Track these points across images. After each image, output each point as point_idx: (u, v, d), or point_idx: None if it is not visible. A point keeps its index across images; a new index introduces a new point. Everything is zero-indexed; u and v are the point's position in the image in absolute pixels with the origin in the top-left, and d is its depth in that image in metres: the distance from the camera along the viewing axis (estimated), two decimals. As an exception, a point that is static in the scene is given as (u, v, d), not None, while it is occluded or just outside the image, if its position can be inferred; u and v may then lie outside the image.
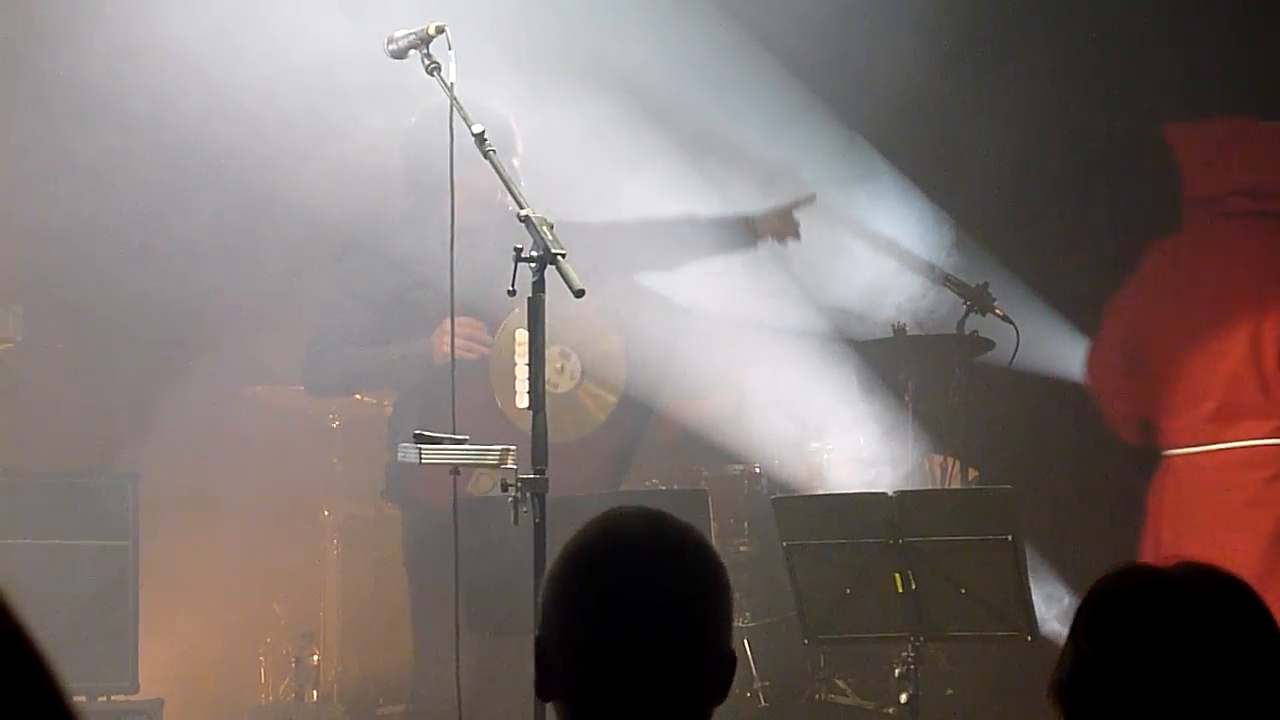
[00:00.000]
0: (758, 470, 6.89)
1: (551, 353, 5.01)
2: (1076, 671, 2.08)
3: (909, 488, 6.12)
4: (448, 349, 4.85)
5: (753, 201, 6.14)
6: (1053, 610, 6.03)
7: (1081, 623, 2.10)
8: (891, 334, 6.42)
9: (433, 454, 4.25)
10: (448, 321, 4.86)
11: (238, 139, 6.10)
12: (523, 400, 4.36)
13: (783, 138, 6.72)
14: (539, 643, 2.06)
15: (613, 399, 5.99)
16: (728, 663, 2.07)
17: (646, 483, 6.78)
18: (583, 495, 5.31)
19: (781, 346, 6.72)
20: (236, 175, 6.35)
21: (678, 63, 6.59)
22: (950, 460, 6.61)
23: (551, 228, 4.24)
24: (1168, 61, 7.20)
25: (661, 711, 2.02)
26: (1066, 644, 2.13)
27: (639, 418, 6.10)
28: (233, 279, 7.16)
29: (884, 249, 6.58)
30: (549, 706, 2.08)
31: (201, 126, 6.24)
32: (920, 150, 7.28)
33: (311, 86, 5.90)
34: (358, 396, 7.14)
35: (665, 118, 6.43)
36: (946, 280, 6.36)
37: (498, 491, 4.25)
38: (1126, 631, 2.04)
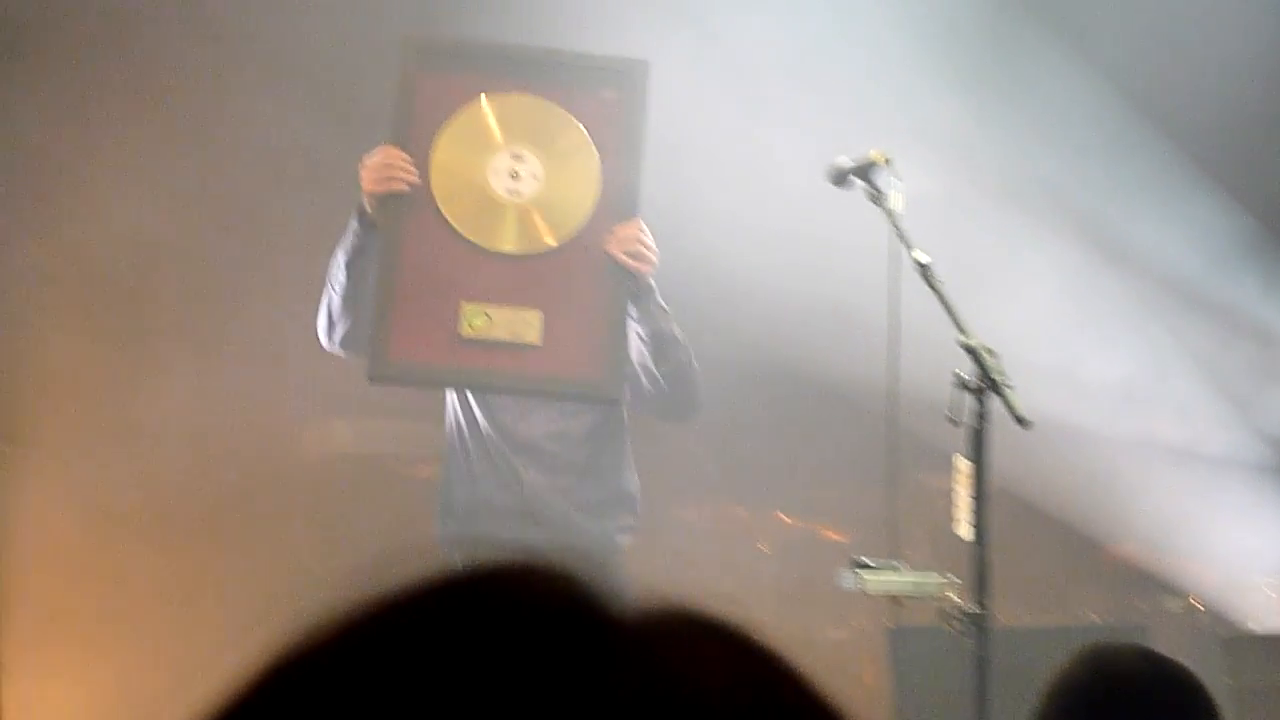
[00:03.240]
0: (1199, 606, 6.65)
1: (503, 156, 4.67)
2: None
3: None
4: (375, 185, 4.54)
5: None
6: None
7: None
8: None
9: (875, 583, 4.21)
10: (370, 157, 4.57)
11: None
12: (966, 531, 4.29)
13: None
14: None
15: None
16: None
17: (1081, 615, 6.62)
18: (1024, 627, 5.21)
19: (1217, 475, 6.51)
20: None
21: (1132, 197, 6.51)
22: None
23: (996, 356, 4.18)
24: None
25: None
26: None
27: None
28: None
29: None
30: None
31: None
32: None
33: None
34: (782, 517, 7.15)
35: (1123, 258, 6.35)
36: None
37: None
38: None
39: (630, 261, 4.61)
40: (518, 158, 4.65)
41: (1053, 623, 6.33)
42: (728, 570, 7.58)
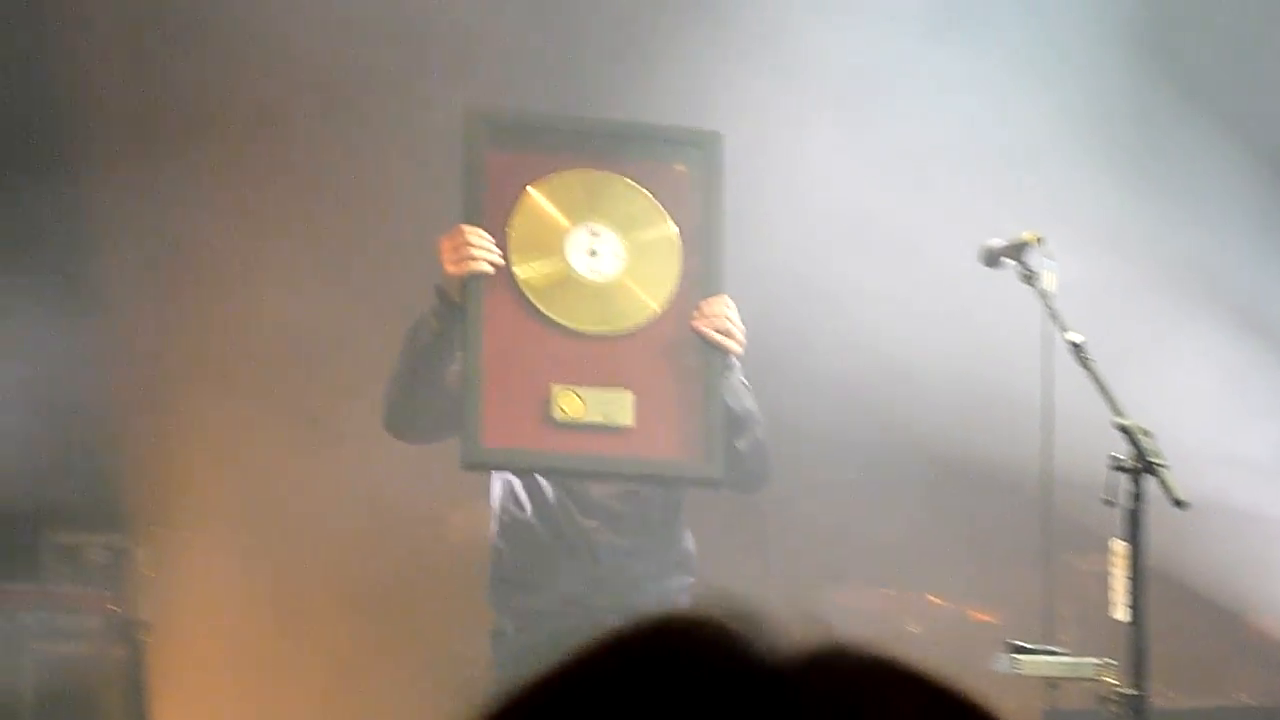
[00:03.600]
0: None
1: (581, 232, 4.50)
2: None
3: None
4: (457, 265, 4.35)
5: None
6: None
7: None
8: None
9: (1029, 666, 4.18)
10: (449, 237, 4.38)
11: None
12: (1122, 614, 4.26)
13: None
14: None
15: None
16: None
17: (1234, 695, 6.53)
18: (1177, 709, 5.14)
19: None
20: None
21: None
22: None
23: (1151, 437, 4.16)
24: None
25: None
26: None
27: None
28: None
29: None
30: None
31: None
32: None
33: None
34: (932, 599, 7.11)
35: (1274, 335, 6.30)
36: None
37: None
38: None
39: (719, 339, 4.48)
40: (595, 234, 4.51)
41: (1207, 704, 6.24)
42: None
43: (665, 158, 4.59)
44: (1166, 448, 4.16)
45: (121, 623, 6.12)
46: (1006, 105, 6.49)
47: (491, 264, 4.40)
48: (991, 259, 4.58)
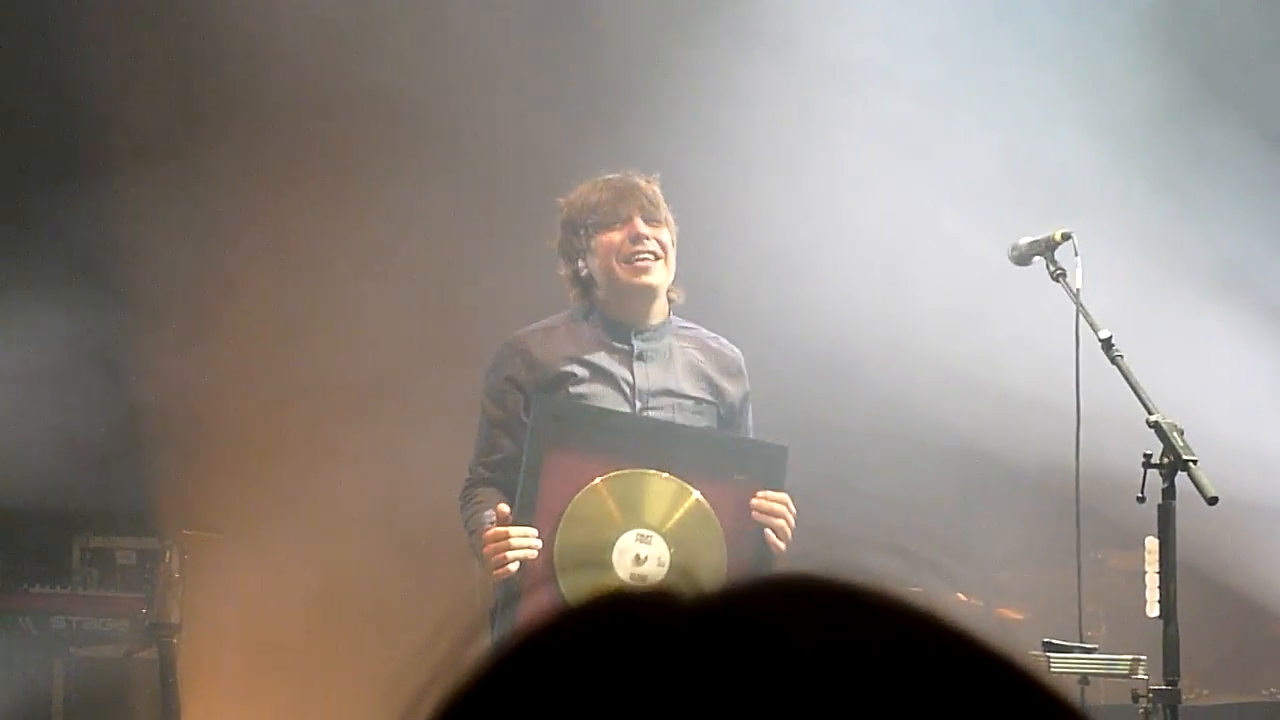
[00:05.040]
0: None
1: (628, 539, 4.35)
2: None
3: None
4: (497, 567, 4.23)
5: None
6: None
7: None
8: None
9: (1062, 663, 4.19)
10: (492, 537, 4.27)
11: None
12: (1153, 610, 4.26)
13: None
14: None
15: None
16: None
17: (1264, 691, 6.53)
18: (1207, 705, 5.14)
19: None
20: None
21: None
22: None
23: (1182, 433, 4.17)
24: None
25: None
26: None
27: None
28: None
29: None
30: None
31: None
32: None
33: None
34: (961, 597, 7.11)
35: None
36: None
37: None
38: None
39: (773, 538, 4.34)
40: (644, 539, 4.35)
41: (1237, 701, 6.24)
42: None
43: (726, 469, 4.43)
44: (1197, 444, 4.16)
45: (151, 626, 6.13)
46: (1045, 104, 6.51)
47: (526, 559, 4.27)
48: (1022, 257, 4.60)
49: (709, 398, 4.60)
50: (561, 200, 4.67)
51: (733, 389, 4.64)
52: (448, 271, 6.85)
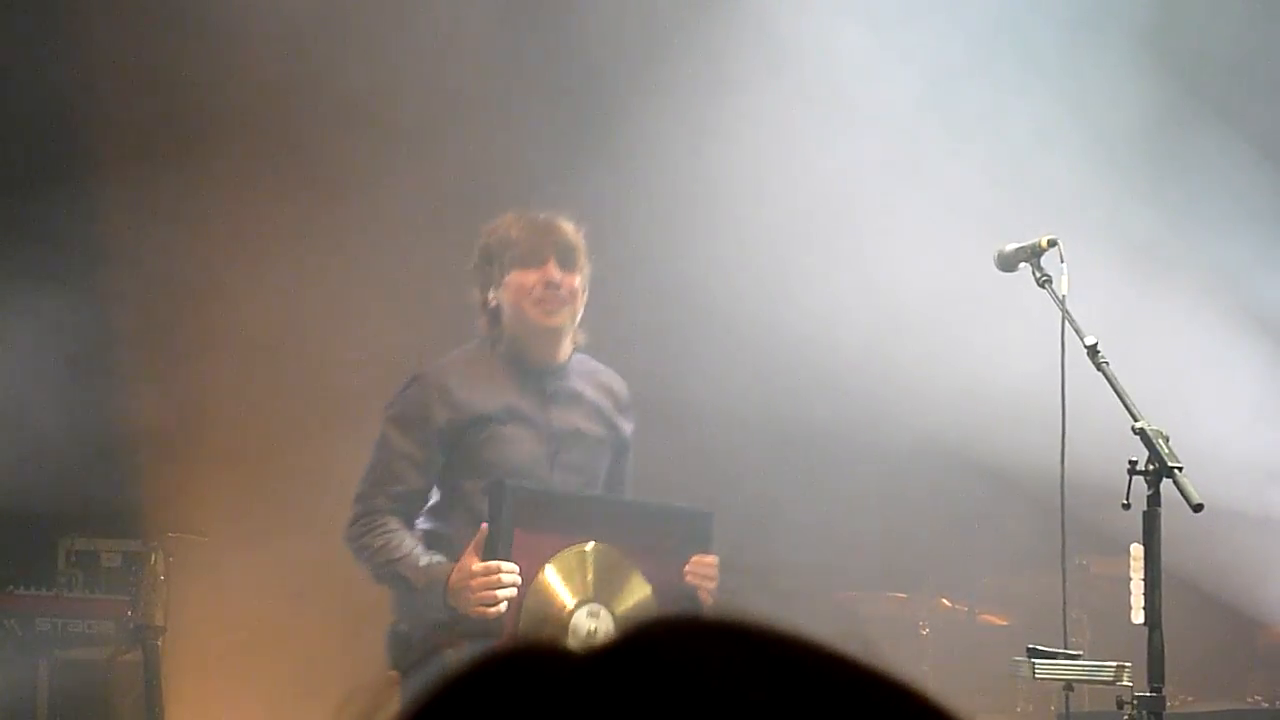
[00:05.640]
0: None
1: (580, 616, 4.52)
2: None
3: None
4: (480, 608, 4.39)
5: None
6: None
7: None
8: None
9: (1047, 670, 4.19)
10: (468, 564, 4.42)
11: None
12: (1138, 616, 4.27)
13: None
14: None
15: None
16: None
17: (1249, 699, 6.53)
18: (1190, 711, 5.15)
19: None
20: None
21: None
22: None
23: (1167, 440, 4.17)
24: None
25: None
26: None
27: None
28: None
29: None
30: None
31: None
32: None
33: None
34: (945, 602, 7.12)
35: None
36: None
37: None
38: None
39: (705, 597, 4.63)
40: (593, 615, 4.55)
41: (1222, 708, 6.24)
42: (888, 652, 7.54)
43: (657, 535, 4.66)
44: (1183, 452, 4.17)
45: (136, 628, 6.11)
46: (1020, 109, 6.52)
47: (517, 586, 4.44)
48: (1006, 263, 4.60)
49: (607, 434, 4.86)
50: (483, 228, 4.83)
51: (624, 424, 4.91)
52: (430, 277, 6.86)
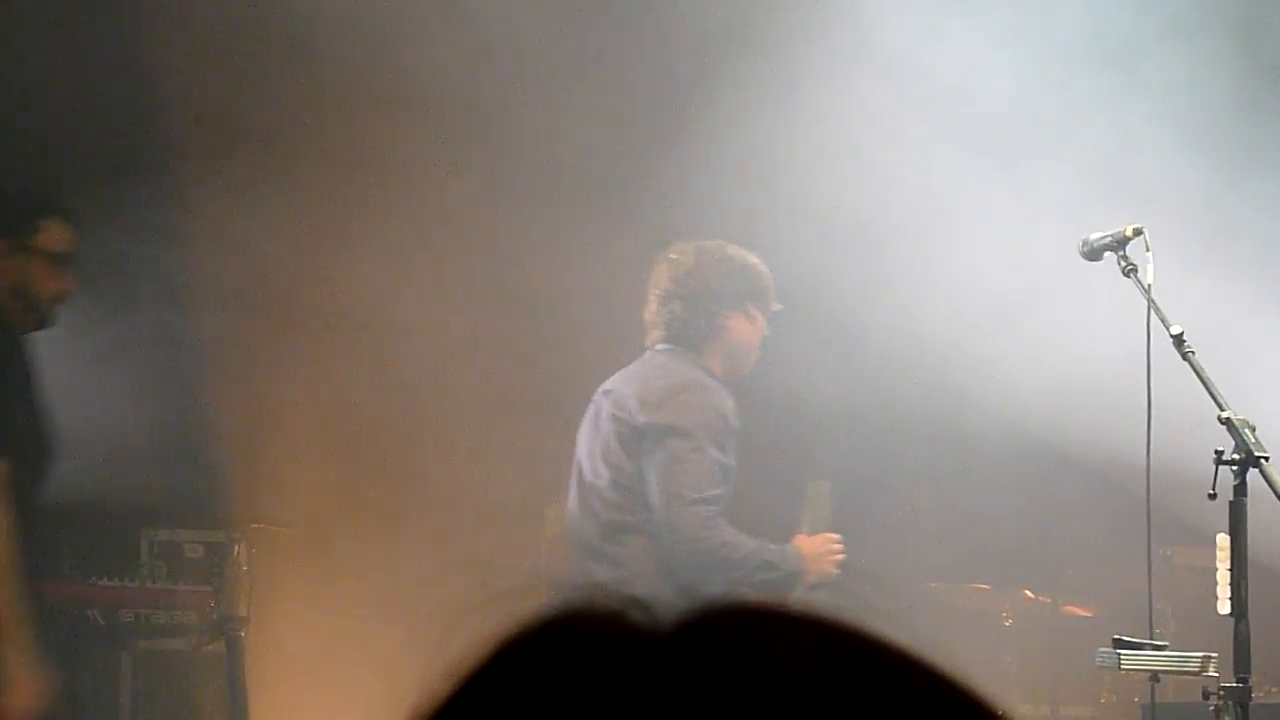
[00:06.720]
0: None
1: None
2: None
3: None
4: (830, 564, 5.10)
5: None
6: None
7: None
8: None
9: (1133, 661, 4.16)
10: (807, 540, 5.11)
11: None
12: (1224, 607, 4.23)
13: None
14: None
15: None
16: None
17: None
18: (1276, 703, 5.10)
19: None
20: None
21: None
22: None
23: (1254, 430, 4.14)
24: None
25: None
26: None
27: None
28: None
29: None
30: None
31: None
32: None
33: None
34: (1028, 593, 7.07)
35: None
36: None
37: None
38: None
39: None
40: None
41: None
42: (971, 643, 7.51)
43: None
44: (1269, 442, 4.13)
45: (219, 619, 6.15)
46: (1108, 95, 6.48)
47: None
48: (1093, 252, 4.57)
49: None
50: (753, 259, 5.23)
51: None
52: (514, 270, 6.88)
